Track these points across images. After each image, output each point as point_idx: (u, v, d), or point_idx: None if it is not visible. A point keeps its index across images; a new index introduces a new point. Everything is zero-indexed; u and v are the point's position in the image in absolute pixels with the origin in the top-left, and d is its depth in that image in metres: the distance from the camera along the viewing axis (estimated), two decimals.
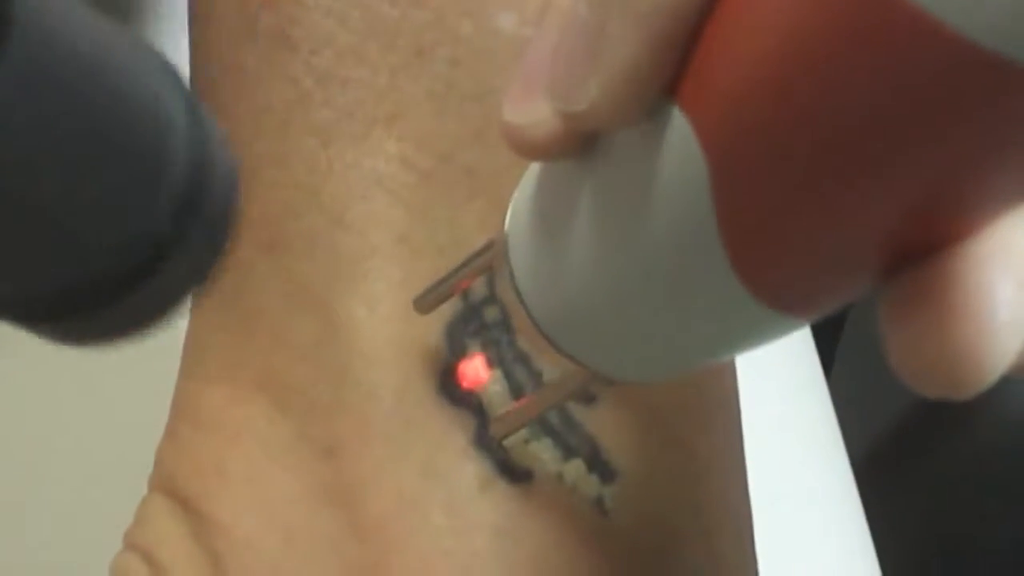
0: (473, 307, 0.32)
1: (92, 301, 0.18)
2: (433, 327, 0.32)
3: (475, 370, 0.32)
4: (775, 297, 0.20)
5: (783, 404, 0.56)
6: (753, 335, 0.22)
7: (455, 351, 0.32)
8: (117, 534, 0.33)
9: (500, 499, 0.31)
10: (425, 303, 0.30)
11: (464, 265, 0.29)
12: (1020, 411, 0.65)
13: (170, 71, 0.18)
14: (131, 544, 0.33)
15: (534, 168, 0.25)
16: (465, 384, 0.32)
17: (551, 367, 0.31)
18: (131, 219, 0.17)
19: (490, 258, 0.27)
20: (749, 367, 0.36)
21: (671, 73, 0.20)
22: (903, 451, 0.71)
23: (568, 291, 0.23)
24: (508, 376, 0.32)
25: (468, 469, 0.31)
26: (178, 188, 0.18)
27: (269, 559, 0.31)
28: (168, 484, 0.33)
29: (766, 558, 0.35)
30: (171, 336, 0.34)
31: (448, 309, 0.32)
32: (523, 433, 0.31)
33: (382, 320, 0.31)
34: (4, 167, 0.15)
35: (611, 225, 0.22)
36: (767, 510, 0.36)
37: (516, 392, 0.32)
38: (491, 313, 0.32)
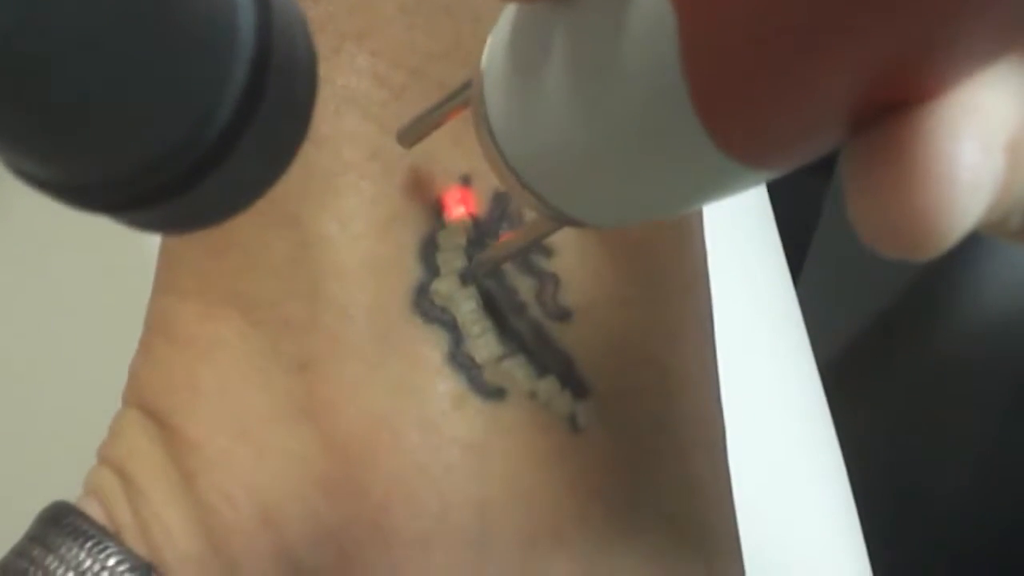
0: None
1: (165, 189, 0.17)
2: (406, 244, 0.31)
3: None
4: (739, 149, 0.20)
5: (752, 313, 0.56)
6: (717, 186, 0.22)
7: (428, 268, 0.32)
8: (91, 449, 0.33)
9: (473, 416, 0.31)
10: (408, 137, 0.30)
11: (445, 101, 0.29)
12: (984, 319, 0.66)
13: None
14: (104, 458, 0.33)
15: (511, 8, 0.25)
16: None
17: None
18: (200, 100, 0.17)
19: (468, 95, 0.27)
20: (718, 275, 0.36)
21: None
22: (870, 358, 0.71)
23: (538, 133, 0.23)
24: (483, 294, 0.32)
25: (441, 386, 0.31)
26: (245, 70, 0.17)
27: (240, 475, 0.31)
28: (141, 399, 0.33)
29: (735, 468, 0.36)
30: (145, 251, 0.34)
31: (421, 226, 0.32)
32: (497, 350, 0.31)
33: (355, 237, 0.31)
34: (61, 47, 0.14)
35: (580, 70, 0.22)
36: (736, 419, 0.36)
37: (490, 310, 0.32)
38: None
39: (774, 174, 0.21)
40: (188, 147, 0.17)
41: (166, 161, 0.17)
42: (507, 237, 0.30)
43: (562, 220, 0.25)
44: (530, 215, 0.27)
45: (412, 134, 0.30)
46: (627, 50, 0.20)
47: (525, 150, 0.24)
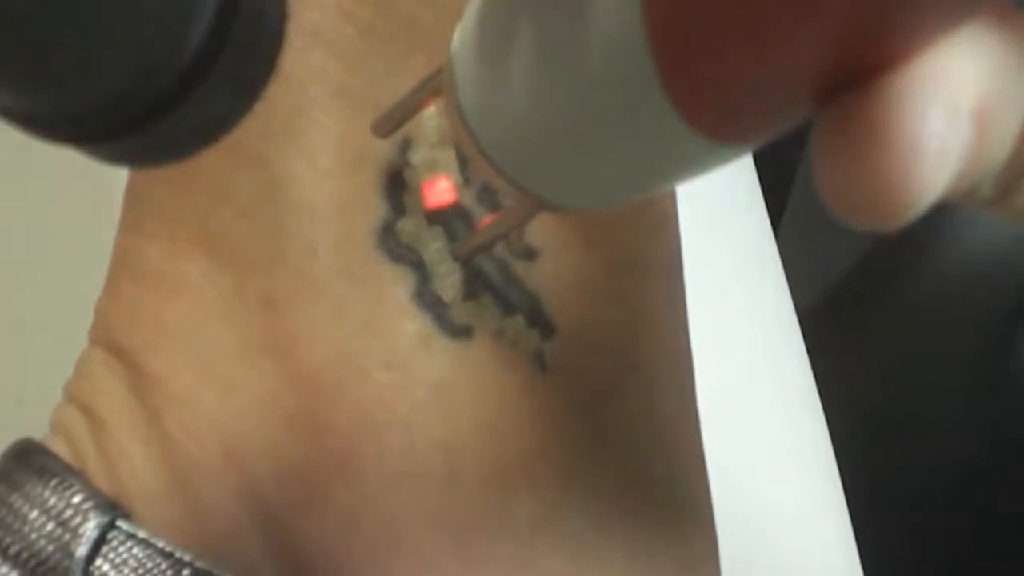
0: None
1: (132, 121, 0.17)
2: (372, 183, 0.31)
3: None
4: (708, 124, 0.20)
5: (731, 257, 0.56)
6: (691, 164, 0.21)
7: (395, 207, 0.31)
8: (57, 387, 0.33)
9: (440, 355, 0.31)
10: (382, 127, 0.30)
11: (418, 89, 0.28)
12: (959, 264, 0.66)
13: None
14: (70, 396, 0.33)
15: None
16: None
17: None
18: (167, 33, 0.17)
19: (440, 82, 0.27)
20: (697, 221, 0.36)
21: None
22: (848, 304, 0.71)
23: (509, 116, 0.23)
24: (449, 232, 0.32)
25: (408, 325, 0.31)
26: (213, 3, 0.17)
27: (206, 412, 0.31)
28: (107, 338, 0.33)
29: (710, 410, 0.36)
30: (111, 190, 0.33)
31: (388, 165, 0.31)
32: (463, 289, 0.31)
33: (321, 175, 0.31)
34: None
35: (547, 50, 0.21)
36: (713, 364, 0.36)
37: (456, 248, 0.32)
38: None
39: (746, 149, 0.20)
40: (154, 80, 0.17)
41: (132, 93, 0.17)
42: (486, 223, 0.30)
43: (539, 203, 0.25)
44: (508, 200, 0.27)
45: (387, 124, 0.30)
46: (592, 27, 0.20)
47: (497, 134, 0.24)
